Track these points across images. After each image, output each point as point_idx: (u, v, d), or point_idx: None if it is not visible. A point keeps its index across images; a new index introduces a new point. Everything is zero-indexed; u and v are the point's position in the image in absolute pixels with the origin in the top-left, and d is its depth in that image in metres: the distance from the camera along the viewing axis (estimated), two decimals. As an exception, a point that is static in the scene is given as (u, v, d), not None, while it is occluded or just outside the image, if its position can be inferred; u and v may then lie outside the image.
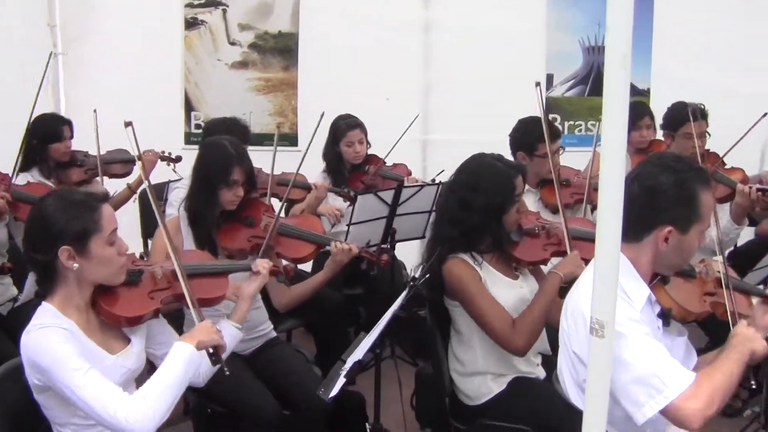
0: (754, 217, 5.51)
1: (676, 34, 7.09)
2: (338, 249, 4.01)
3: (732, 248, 5.89)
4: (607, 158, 2.08)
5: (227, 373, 2.85)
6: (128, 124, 3.07)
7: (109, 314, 2.82)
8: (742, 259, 5.52)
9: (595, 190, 4.71)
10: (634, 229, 2.65)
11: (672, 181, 2.60)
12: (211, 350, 2.84)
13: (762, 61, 7.29)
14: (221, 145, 3.86)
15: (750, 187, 4.84)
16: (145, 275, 3.02)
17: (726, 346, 2.64)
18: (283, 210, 4.10)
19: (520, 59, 6.71)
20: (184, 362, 2.73)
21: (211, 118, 5.76)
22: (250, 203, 4.00)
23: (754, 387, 4.99)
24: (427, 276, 3.24)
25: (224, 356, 2.92)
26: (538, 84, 4.10)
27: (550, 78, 6.98)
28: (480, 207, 3.50)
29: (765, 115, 5.17)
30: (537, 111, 5.98)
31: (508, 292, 3.58)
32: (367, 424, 3.80)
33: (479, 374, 3.58)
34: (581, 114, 6.96)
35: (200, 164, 3.93)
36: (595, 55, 6.98)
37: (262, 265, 3.43)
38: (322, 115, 4.63)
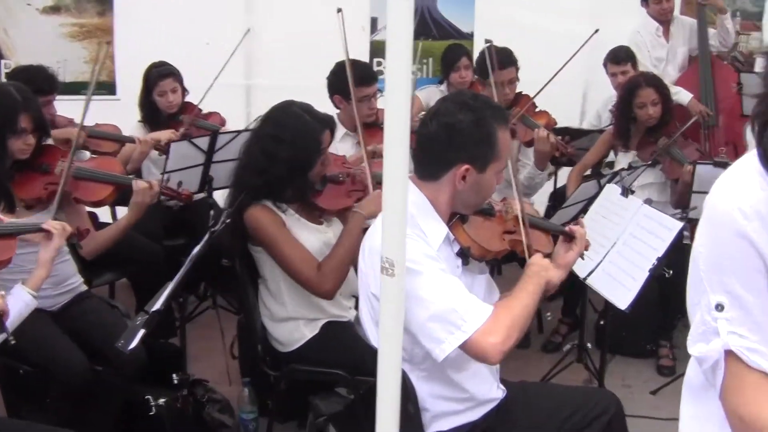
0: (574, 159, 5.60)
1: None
2: (138, 188, 3.90)
3: (552, 189, 6.05)
4: (392, 94, 2.05)
5: (12, 341, 2.78)
6: None
7: None
8: (561, 199, 5.66)
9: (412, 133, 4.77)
10: (432, 167, 2.64)
11: (470, 119, 2.58)
12: None
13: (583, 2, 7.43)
14: (5, 92, 3.63)
15: (548, 135, 4.93)
16: None
17: (522, 277, 2.67)
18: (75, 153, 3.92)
19: (344, 3, 6.57)
20: None
21: (15, 67, 5.48)
22: (44, 150, 3.83)
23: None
24: (227, 221, 3.17)
25: (10, 324, 2.79)
26: (339, 10, 4.02)
27: (374, 21, 6.85)
28: (284, 159, 3.43)
29: (573, 56, 5.24)
30: (361, 54, 5.96)
31: (313, 237, 3.55)
32: (174, 375, 3.71)
33: (291, 320, 3.55)
34: (406, 57, 6.87)
35: None
36: (421, -2, 6.96)
37: (53, 225, 3.27)
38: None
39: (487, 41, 3.97)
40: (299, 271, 3.40)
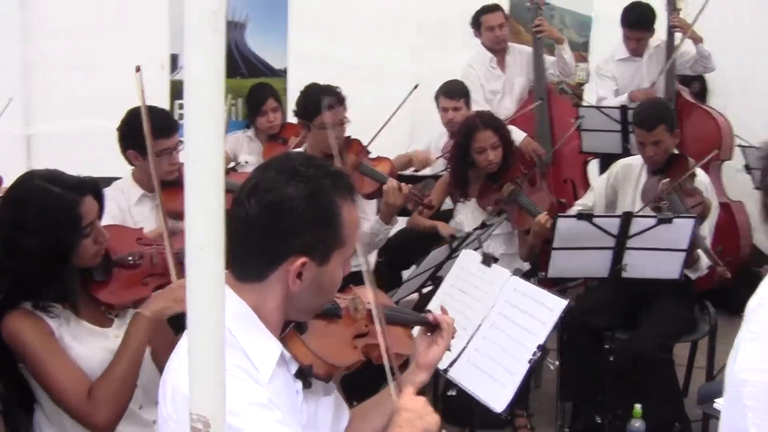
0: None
1: (312, 8, 6.52)
2: None
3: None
4: (194, 159, 1.39)
5: None
6: None
7: None
8: (394, 253, 5.10)
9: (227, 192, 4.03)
10: (255, 264, 1.92)
11: (303, 193, 1.88)
12: None
13: (407, 33, 7.00)
14: None
15: (400, 185, 4.32)
16: None
17: (389, 425, 2.01)
18: None
19: (140, 37, 5.78)
20: None
21: None
22: None
23: None
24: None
25: None
26: (138, 69, 3.27)
27: (174, 58, 6.05)
28: (32, 252, 2.58)
29: (401, 104, 4.66)
30: (159, 97, 5.21)
31: (95, 345, 2.73)
32: None
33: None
34: (215, 98, 6.15)
35: None
36: (228, 31, 6.22)
37: None
38: None
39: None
40: (64, 398, 2.59)
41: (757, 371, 1.18)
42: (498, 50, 6.29)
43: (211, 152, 1.40)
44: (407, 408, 2.03)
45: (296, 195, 1.88)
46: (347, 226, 1.95)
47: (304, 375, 1.99)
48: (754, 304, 1.23)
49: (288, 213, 1.87)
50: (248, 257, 1.91)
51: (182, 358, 1.88)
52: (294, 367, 1.99)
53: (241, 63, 6.30)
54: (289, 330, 2.00)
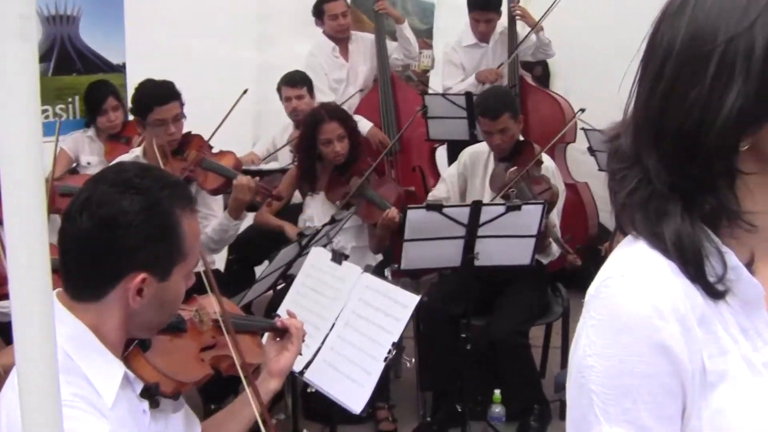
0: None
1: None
2: None
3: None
4: (10, 173, 1.23)
5: None
6: None
7: None
8: (245, 250, 5.00)
9: (62, 195, 3.84)
10: (91, 282, 1.79)
11: (139, 207, 1.76)
12: None
13: (249, 24, 6.88)
14: None
15: (249, 179, 4.19)
16: None
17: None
18: None
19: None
20: None
21: None
22: None
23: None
24: None
25: None
26: None
27: None
28: None
29: (246, 91, 4.55)
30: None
31: None
32: None
33: None
34: (47, 97, 5.76)
35: None
36: (59, 25, 5.92)
37: None
38: None
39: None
40: None
41: (600, 356, 1.16)
42: (341, 39, 6.26)
43: (29, 165, 1.28)
44: None
45: (132, 209, 1.76)
46: (188, 238, 1.85)
47: (151, 394, 1.87)
48: (593, 289, 1.21)
49: (124, 228, 1.75)
50: (83, 276, 1.79)
51: (16, 388, 1.74)
52: (139, 387, 1.86)
53: (76, 58, 5.97)
54: (132, 348, 1.88)
